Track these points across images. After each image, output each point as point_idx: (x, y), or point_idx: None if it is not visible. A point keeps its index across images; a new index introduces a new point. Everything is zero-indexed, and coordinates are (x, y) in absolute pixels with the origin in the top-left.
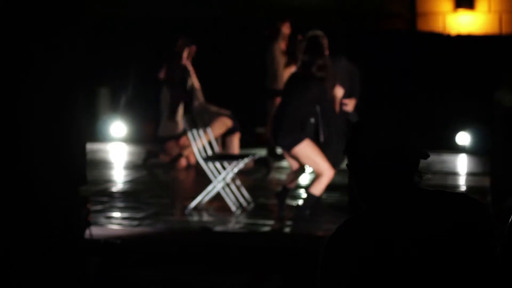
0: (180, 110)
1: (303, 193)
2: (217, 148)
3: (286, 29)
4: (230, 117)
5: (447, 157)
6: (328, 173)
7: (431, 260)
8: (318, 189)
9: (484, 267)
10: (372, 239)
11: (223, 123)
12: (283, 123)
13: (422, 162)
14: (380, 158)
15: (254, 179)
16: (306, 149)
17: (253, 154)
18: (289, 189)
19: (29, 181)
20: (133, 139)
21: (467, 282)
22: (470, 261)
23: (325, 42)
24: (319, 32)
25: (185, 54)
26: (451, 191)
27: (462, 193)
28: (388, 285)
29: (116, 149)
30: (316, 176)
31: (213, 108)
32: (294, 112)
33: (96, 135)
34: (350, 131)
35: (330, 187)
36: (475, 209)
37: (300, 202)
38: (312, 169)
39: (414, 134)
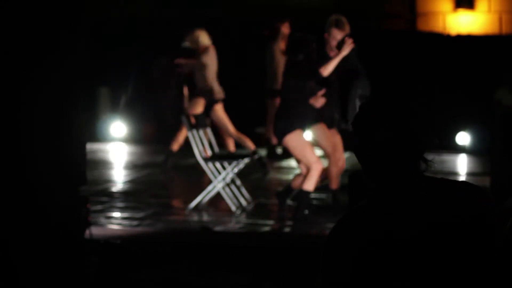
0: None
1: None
2: (217, 148)
3: (285, 29)
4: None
5: (447, 157)
6: (316, 166)
7: (436, 245)
8: (310, 184)
9: (487, 253)
10: (376, 227)
11: (198, 103)
12: (276, 116)
13: (433, 165)
14: (387, 140)
15: (254, 179)
16: (295, 140)
17: (254, 154)
18: (293, 190)
19: (29, 181)
20: (133, 139)
21: (471, 266)
22: (474, 246)
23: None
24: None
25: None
26: (453, 178)
27: (463, 181)
28: (393, 272)
29: (116, 149)
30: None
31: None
32: (284, 103)
33: (96, 135)
34: (358, 112)
35: None
36: (477, 194)
37: (295, 202)
38: (300, 161)
39: (423, 119)
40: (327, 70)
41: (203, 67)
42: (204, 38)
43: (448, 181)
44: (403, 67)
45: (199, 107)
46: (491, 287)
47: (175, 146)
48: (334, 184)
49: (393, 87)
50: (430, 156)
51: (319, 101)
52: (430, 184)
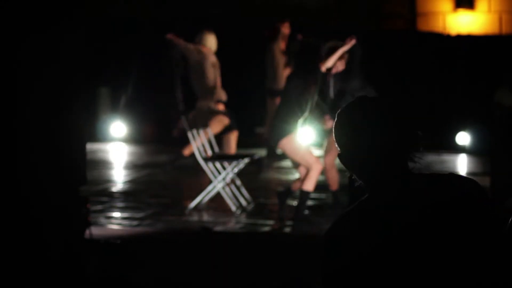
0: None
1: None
2: (217, 148)
3: (285, 29)
4: (227, 114)
5: (447, 157)
6: (316, 166)
7: (432, 240)
8: (310, 185)
9: (488, 237)
10: (369, 228)
11: (220, 121)
12: (274, 118)
13: (422, 162)
14: (365, 148)
15: (254, 179)
16: (292, 144)
17: (253, 154)
18: (293, 191)
19: (29, 181)
20: (133, 139)
21: (470, 258)
22: (471, 237)
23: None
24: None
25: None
26: (440, 172)
27: (450, 173)
28: (391, 270)
29: (116, 149)
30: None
31: (210, 107)
32: (281, 107)
33: (96, 135)
34: (336, 119)
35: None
36: (466, 184)
37: (295, 203)
38: (299, 163)
39: (399, 119)
40: (326, 65)
41: (196, 68)
42: (209, 41)
43: (435, 175)
44: (403, 67)
45: (216, 127)
46: (493, 281)
47: (187, 152)
48: (334, 186)
49: (390, 86)
50: (418, 154)
51: (327, 124)
52: (418, 180)
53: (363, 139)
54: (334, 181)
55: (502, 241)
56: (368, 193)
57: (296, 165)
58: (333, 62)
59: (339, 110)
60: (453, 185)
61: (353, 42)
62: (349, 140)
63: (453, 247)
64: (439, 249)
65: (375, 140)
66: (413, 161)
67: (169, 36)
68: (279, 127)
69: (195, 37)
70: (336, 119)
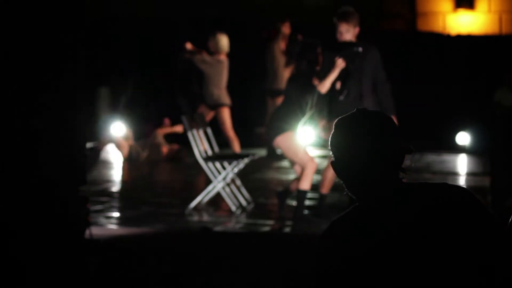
0: None
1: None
2: (217, 148)
3: (286, 29)
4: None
5: (447, 157)
6: (310, 165)
7: (427, 243)
8: (306, 184)
9: (483, 240)
10: (361, 236)
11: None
12: (272, 116)
13: (422, 162)
14: (362, 157)
15: (254, 179)
16: (287, 141)
17: (253, 154)
18: (292, 192)
19: (28, 180)
20: (133, 139)
21: (467, 258)
22: (466, 237)
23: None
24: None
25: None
26: (432, 181)
27: (442, 182)
28: (384, 275)
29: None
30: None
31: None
32: (281, 106)
33: (96, 135)
34: (334, 128)
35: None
36: (458, 191)
37: (294, 203)
38: (293, 161)
39: (396, 132)
40: (325, 87)
41: (206, 70)
42: (223, 43)
43: (427, 183)
44: (403, 67)
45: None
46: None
47: None
48: (325, 189)
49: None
50: (407, 162)
51: (320, 124)
52: (410, 188)
53: (359, 148)
54: (329, 185)
55: (498, 242)
56: (359, 201)
57: (293, 163)
58: (329, 85)
59: (338, 119)
60: (444, 192)
61: (342, 65)
62: (345, 149)
63: (446, 251)
64: (432, 253)
65: (371, 150)
66: (404, 172)
67: (188, 46)
68: (278, 123)
69: (201, 37)
70: (334, 127)
